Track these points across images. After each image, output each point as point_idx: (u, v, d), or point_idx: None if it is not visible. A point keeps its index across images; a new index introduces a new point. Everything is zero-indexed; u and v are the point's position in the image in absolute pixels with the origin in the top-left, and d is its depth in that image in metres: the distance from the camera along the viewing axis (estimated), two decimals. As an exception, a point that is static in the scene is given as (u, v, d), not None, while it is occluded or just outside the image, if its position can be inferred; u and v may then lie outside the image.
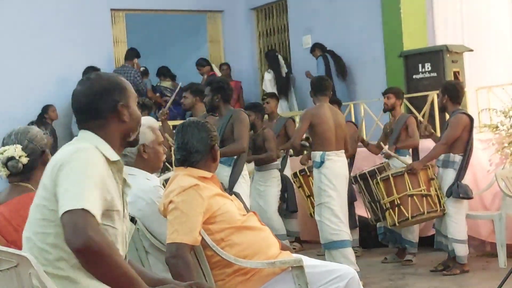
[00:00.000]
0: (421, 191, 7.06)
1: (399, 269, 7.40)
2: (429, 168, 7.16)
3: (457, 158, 6.96)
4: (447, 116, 7.38)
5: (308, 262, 3.68)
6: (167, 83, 11.96)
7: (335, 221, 6.75)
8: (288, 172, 8.79)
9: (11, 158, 3.32)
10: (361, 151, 8.35)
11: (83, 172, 2.53)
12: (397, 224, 7.16)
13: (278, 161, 8.40)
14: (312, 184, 7.25)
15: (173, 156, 5.68)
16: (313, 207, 7.34)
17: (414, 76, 9.39)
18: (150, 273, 3.04)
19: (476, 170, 7.68)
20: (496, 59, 9.77)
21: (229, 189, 6.14)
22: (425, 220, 7.27)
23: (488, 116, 8.64)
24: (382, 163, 7.89)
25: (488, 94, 9.05)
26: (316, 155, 6.86)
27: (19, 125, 3.56)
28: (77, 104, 2.75)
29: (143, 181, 3.73)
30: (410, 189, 7.08)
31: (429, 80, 9.17)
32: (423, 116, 8.92)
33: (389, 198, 7.16)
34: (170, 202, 3.54)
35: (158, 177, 4.32)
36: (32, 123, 10.08)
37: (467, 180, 7.06)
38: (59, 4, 11.35)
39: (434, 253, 7.54)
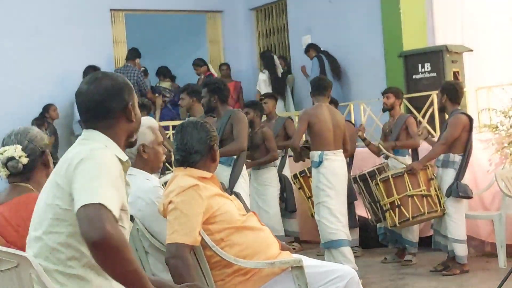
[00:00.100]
0: (421, 191, 7.06)
1: (399, 269, 7.41)
2: (429, 168, 7.17)
3: (457, 158, 6.97)
4: (447, 116, 7.38)
5: (308, 262, 3.68)
6: (166, 84, 11.95)
7: (332, 221, 6.77)
8: (287, 172, 8.79)
9: (11, 158, 3.32)
10: (361, 151, 8.36)
11: (99, 170, 2.53)
12: (397, 224, 7.16)
13: (276, 160, 8.42)
14: (313, 185, 7.26)
15: (172, 156, 5.70)
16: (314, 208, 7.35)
17: (413, 76, 9.39)
18: (148, 275, 3.05)
19: (476, 170, 7.69)
20: (495, 59, 9.76)
21: (229, 189, 6.15)
22: (426, 220, 7.27)
23: (488, 116, 8.64)
24: (382, 163, 7.89)
25: (488, 94, 9.05)
26: (315, 154, 6.89)
27: (20, 125, 3.55)
28: (86, 103, 2.74)
29: (142, 181, 3.73)
30: (410, 190, 7.08)
31: (429, 80, 9.17)
32: (422, 116, 8.92)
33: (389, 199, 7.16)
34: (170, 202, 3.54)
35: (159, 178, 4.32)
36: (34, 124, 10.15)
37: (466, 180, 7.07)
38: (58, 4, 11.35)
39: (434, 253, 7.54)
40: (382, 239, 7.96)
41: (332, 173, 6.81)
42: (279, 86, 11.34)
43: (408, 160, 7.60)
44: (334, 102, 8.44)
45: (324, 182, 6.81)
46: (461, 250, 6.90)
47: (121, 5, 12.04)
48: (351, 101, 10.32)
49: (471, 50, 9.42)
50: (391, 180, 7.16)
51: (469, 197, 7.01)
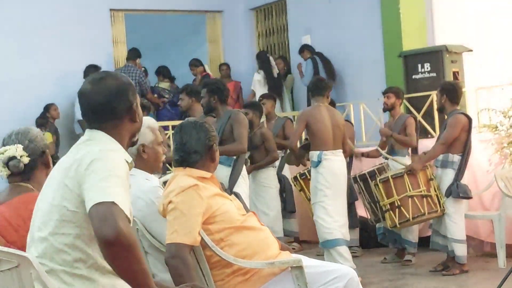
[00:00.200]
0: (421, 191, 7.07)
1: (398, 269, 7.41)
2: (428, 168, 7.17)
3: (456, 158, 6.97)
4: (445, 117, 7.38)
5: (308, 262, 3.68)
6: (165, 84, 11.93)
7: (328, 220, 6.79)
8: (286, 172, 8.79)
9: (13, 157, 3.32)
10: (361, 151, 8.37)
11: (110, 171, 2.54)
12: (398, 225, 7.17)
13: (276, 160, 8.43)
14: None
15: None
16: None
17: (413, 76, 9.40)
18: None
19: (475, 170, 7.69)
20: (495, 59, 9.77)
21: (229, 189, 6.16)
22: (426, 220, 7.28)
23: (488, 116, 8.64)
24: (382, 163, 7.90)
25: (488, 94, 9.05)
26: (314, 154, 6.91)
27: (20, 125, 3.56)
28: (90, 104, 2.72)
29: (142, 182, 3.73)
30: (410, 190, 7.09)
31: (429, 80, 9.17)
32: (422, 116, 8.93)
33: (389, 200, 7.16)
34: (170, 202, 3.54)
35: (159, 178, 4.31)
36: (37, 123, 10.21)
37: (466, 180, 7.08)
38: (58, 4, 11.35)
39: (434, 253, 7.54)
40: (381, 239, 7.97)
41: (331, 173, 6.82)
42: (275, 87, 11.34)
43: (407, 160, 7.61)
44: (331, 103, 8.44)
45: (322, 182, 6.82)
46: (460, 250, 6.91)
47: (120, 5, 12.04)
48: (351, 101, 10.32)
49: (471, 50, 9.43)
50: (391, 180, 7.16)
51: (469, 198, 7.02)
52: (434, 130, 8.75)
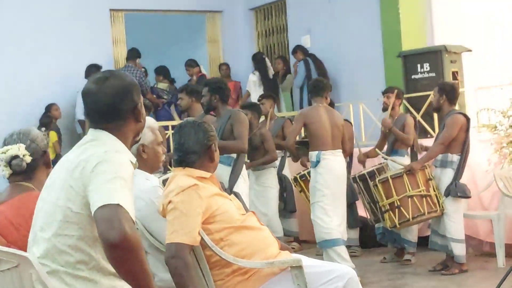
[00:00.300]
0: (420, 191, 7.08)
1: (398, 269, 7.42)
2: (427, 168, 7.19)
3: (455, 158, 6.98)
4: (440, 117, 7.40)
5: (307, 262, 3.68)
6: (163, 85, 11.93)
7: (326, 220, 6.80)
8: (286, 172, 8.80)
9: (16, 156, 3.33)
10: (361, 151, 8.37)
11: (115, 173, 2.53)
12: (398, 225, 7.17)
13: (276, 161, 8.43)
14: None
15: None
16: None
17: (412, 76, 9.41)
18: None
19: (474, 170, 7.70)
20: (494, 59, 9.78)
21: (229, 189, 6.16)
22: (425, 220, 7.29)
23: (487, 116, 8.65)
24: (381, 163, 7.91)
25: (487, 94, 9.06)
26: (312, 155, 6.93)
27: (20, 125, 3.57)
28: (95, 104, 2.71)
29: (142, 181, 3.73)
30: (409, 190, 7.10)
31: (428, 80, 9.18)
32: (422, 116, 8.93)
33: (388, 200, 7.17)
34: (169, 202, 3.55)
35: (159, 177, 4.32)
36: (40, 126, 10.25)
37: (465, 180, 7.09)
38: (58, 4, 11.36)
39: (433, 253, 7.55)
40: (380, 238, 7.97)
41: (330, 173, 6.83)
42: (270, 88, 11.35)
43: (406, 160, 7.62)
44: (330, 103, 8.45)
45: (321, 181, 6.83)
46: (459, 250, 6.92)
47: (120, 5, 12.04)
48: (350, 101, 10.33)
49: (470, 50, 9.44)
50: (390, 181, 7.17)
51: (468, 197, 7.03)
52: (434, 130, 8.75)
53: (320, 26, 11.47)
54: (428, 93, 8.87)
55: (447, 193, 6.98)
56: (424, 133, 8.86)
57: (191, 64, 11.94)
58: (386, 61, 10.29)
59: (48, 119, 10.68)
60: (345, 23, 10.98)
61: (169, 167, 8.29)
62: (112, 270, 2.58)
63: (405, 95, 8.74)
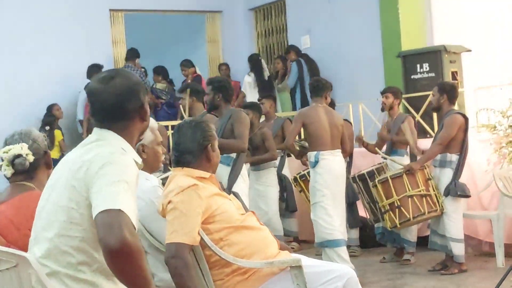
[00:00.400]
0: (420, 191, 7.08)
1: (397, 269, 7.42)
2: (426, 168, 7.19)
3: (454, 157, 6.99)
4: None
5: (307, 262, 3.69)
6: (162, 85, 11.92)
7: (328, 221, 6.79)
8: (286, 172, 8.81)
9: (19, 155, 3.33)
10: (360, 150, 8.38)
11: (120, 176, 2.50)
12: (398, 225, 7.17)
13: (275, 160, 8.44)
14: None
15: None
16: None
17: (412, 76, 9.41)
18: None
19: (474, 170, 7.70)
20: (494, 59, 9.79)
21: (228, 188, 6.15)
22: (426, 219, 7.29)
23: (486, 116, 8.65)
24: (381, 163, 7.91)
25: (486, 94, 9.07)
26: (311, 155, 6.93)
27: (21, 125, 3.58)
28: (103, 103, 2.67)
29: (142, 181, 3.73)
30: (409, 190, 7.10)
31: (427, 80, 9.18)
32: (421, 116, 8.94)
33: (388, 200, 7.17)
34: (169, 202, 3.55)
35: (158, 176, 4.32)
36: (44, 125, 10.26)
37: (465, 179, 7.09)
38: (58, 4, 11.36)
39: (433, 253, 7.55)
40: (380, 238, 7.97)
41: (329, 173, 6.83)
42: (265, 89, 11.35)
43: (406, 160, 7.62)
44: (331, 103, 8.45)
45: (320, 182, 6.83)
46: (458, 249, 6.92)
47: (120, 5, 12.05)
48: (350, 101, 10.34)
49: (470, 50, 9.44)
50: (390, 181, 7.17)
51: (467, 196, 7.04)
52: (433, 130, 8.76)
53: (320, 26, 11.47)
54: (427, 93, 8.87)
55: (447, 192, 6.98)
56: (423, 133, 8.86)
57: (187, 64, 11.91)
58: (386, 61, 10.29)
59: (52, 117, 10.72)
60: (344, 23, 10.99)
61: (169, 167, 8.30)
62: None
63: (405, 95, 8.75)
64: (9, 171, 3.34)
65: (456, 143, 6.98)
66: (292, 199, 8.73)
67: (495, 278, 5.86)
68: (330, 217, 6.80)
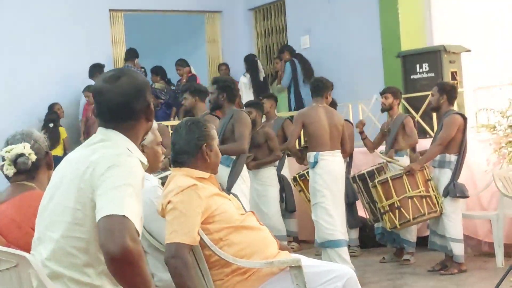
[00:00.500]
0: (420, 192, 7.09)
1: (397, 269, 7.42)
2: (425, 169, 7.19)
3: (453, 158, 6.99)
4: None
5: (307, 262, 3.69)
6: (160, 85, 11.92)
7: (329, 221, 6.80)
8: (286, 172, 8.81)
9: (21, 155, 3.33)
10: (360, 150, 8.38)
11: (126, 179, 2.47)
12: (398, 226, 7.18)
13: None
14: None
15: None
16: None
17: (412, 76, 9.41)
18: None
19: (473, 170, 7.71)
20: (493, 59, 9.79)
21: (227, 189, 6.15)
22: (425, 220, 7.29)
23: (486, 116, 8.66)
24: (381, 163, 7.92)
25: (486, 94, 9.06)
26: (311, 155, 6.93)
27: (22, 125, 3.58)
28: (108, 103, 2.63)
29: (142, 182, 3.74)
30: (409, 191, 7.10)
31: (427, 80, 9.18)
32: (420, 116, 8.94)
33: (388, 201, 7.17)
34: (169, 202, 3.55)
35: (156, 175, 4.32)
36: (47, 122, 10.25)
37: (464, 180, 7.10)
38: (58, 4, 11.37)
39: (432, 253, 7.55)
40: (380, 238, 7.98)
41: (328, 173, 6.83)
42: (261, 91, 11.35)
43: (406, 160, 7.62)
44: (332, 103, 8.45)
45: (320, 182, 6.83)
46: (458, 249, 6.92)
47: (120, 6, 12.05)
48: (349, 101, 10.34)
49: (469, 50, 9.44)
50: (390, 182, 7.18)
51: (466, 197, 7.05)
52: (433, 130, 8.75)
53: (320, 26, 11.47)
54: (427, 93, 8.85)
55: (446, 193, 6.99)
56: (423, 133, 8.86)
57: (182, 63, 11.89)
58: (385, 61, 10.29)
59: (54, 115, 10.73)
60: (344, 23, 10.99)
61: (169, 167, 8.30)
62: None
63: (404, 95, 8.75)
64: (11, 171, 3.34)
65: (455, 144, 6.99)
66: (291, 200, 8.73)
67: (494, 278, 5.87)
68: (331, 217, 6.80)
